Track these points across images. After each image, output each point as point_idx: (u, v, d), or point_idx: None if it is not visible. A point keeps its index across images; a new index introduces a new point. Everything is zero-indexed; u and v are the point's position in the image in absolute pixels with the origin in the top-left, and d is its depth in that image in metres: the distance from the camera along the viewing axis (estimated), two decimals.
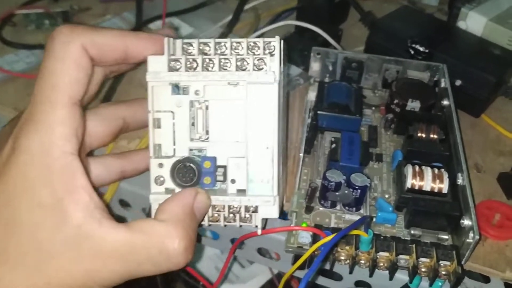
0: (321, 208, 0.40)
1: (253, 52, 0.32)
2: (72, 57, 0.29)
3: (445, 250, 0.35)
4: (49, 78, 0.28)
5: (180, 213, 0.30)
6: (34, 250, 0.26)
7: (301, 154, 0.39)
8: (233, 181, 0.33)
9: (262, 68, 0.32)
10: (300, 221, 0.39)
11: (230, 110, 0.33)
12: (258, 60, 0.32)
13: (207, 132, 0.33)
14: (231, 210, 0.33)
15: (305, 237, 0.37)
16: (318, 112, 0.44)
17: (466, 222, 0.35)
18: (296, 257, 0.37)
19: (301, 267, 0.34)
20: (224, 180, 0.33)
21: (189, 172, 0.33)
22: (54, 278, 0.26)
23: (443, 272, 0.35)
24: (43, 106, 0.27)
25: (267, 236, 0.40)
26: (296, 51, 0.55)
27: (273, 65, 0.32)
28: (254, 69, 0.32)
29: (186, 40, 0.33)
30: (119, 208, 0.46)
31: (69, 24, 0.30)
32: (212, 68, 0.32)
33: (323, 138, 0.45)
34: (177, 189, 0.33)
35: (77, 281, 0.27)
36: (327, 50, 0.50)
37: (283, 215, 0.41)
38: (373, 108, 0.50)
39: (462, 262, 0.35)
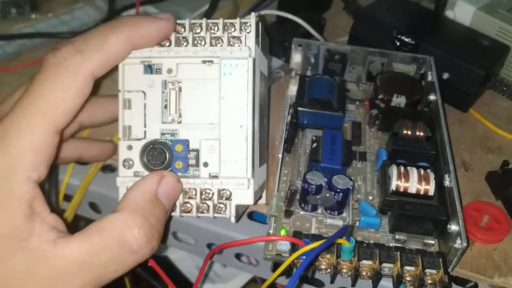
0: (301, 212, 0.37)
1: (229, 32, 0.31)
2: (77, 88, 0.27)
3: (431, 257, 0.33)
4: (41, 104, 0.26)
5: (139, 200, 0.28)
6: None
7: (280, 155, 0.37)
8: (205, 164, 0.31)
9: (238, 45, 0.31)
10: (279, 226, 0.36)
11: (204, 91, 0.31)
12: (233, 38, 0.31)
13: (180, 115, 0.31)
14: (203, 196, 0.31)
15: (284, 244, 0.34)
16: (298, 108, 0.42)
17: (453, 227, 0.33)
18: (276, 264, 0.35)
19: (281, 274, 0.32)
20: (197, 166, 0.31)
21: (160, 155, 0.31)
22: None
23: (429, 281, 0.33)
24: (22, 130, 0.26)
25: None
26: (277, 42, 0.52)
27: (249, 41, 0.31)
28: (229, 45, 0.31)
29: None
30: (92, 213, 0.44)
31: (78, 40, 0.28)
32: (185, 45, 0.31)
33: (304, 136, 0.43)
34: (146, 173, 0.31)
35: None
36: (309, 41, 0.48)
37: (262, 218, 0.39)
38: (357, 102, 0.47)
39: (449, 270, 0.33)
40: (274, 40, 0.52)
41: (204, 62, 0.31)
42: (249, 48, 0.30)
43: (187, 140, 0.31)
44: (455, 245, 0.33)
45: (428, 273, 0.33)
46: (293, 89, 0.46)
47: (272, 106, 0.47)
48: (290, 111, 0.42)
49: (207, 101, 0.31)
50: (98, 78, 0.28)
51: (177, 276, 0.63)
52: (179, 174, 0.31)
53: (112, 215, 0.27)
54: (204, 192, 0.31)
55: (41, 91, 0.26)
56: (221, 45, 0.31)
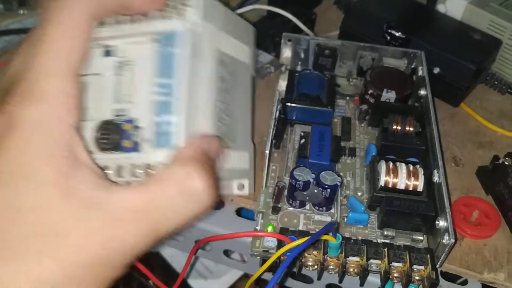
0: (289, 208, 0.37)
1: (172, 6, 0.30)
2: (80, 26, 0.27)
3: (419, 253, 0.33)
4: (52, 47, 0.25)
5: (194, 154, 0.27)
6: (39, 235, 0.23)
7: (267, 152, 0.36)
8: (150, 140, 0.29)
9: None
10: (266, 222, 0.36)
11: (148, 69, 0.30)
12: (173, 10, 0.30)
13: (129, 95, 0.30)
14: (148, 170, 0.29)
15: (270, 240, 0.34)
16: (287, 104, 0.41)
17: (441, 223, 0.33)
18: (264, 260, 0.35)
19: (269, 270, 0.32)
20: (145, 143, 0.29)
21: (111, 135, 0.30)
22: (65, 262, 0.23)
23: (417, 277, 0.33)
24: (45, 76, 0.25)
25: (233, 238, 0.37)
26: (266, 36, 0.52)
27: (187, 13, 0.30)
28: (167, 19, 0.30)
29: None
30: None
31: None
32: (125, 23, 0.30)
33: (293, 132, 0.43)
34: (99, 154, 0.30)
35: (96, 257, 0.23)
36: (299, 36, 0.47)
37: (250, 215, 0.39)
38: (347, 98, 0.47)
39: (437, 266, 0.33)
40: (263, 35, 0.51)
41: (150, 40, 0.30)
42: (189, 20, 0.30)
43: (136, 119, 0.30)
44: (443, 241, 0.32)
45: (416, 269, 0.33)
46: (282, 84, 0.45)
47: (262, 101, 0.46)
48: (279, 106, 0.41)
49: (151, 79, 0.30)
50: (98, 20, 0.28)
51: (169, 271, 0.62)
52: (128, 153, 0.30)
53: (172, 165, 0.26)
54: (150, 167, 0.30)
55: (45, 32, 0.26)
56: (161, 20, 0.30)
